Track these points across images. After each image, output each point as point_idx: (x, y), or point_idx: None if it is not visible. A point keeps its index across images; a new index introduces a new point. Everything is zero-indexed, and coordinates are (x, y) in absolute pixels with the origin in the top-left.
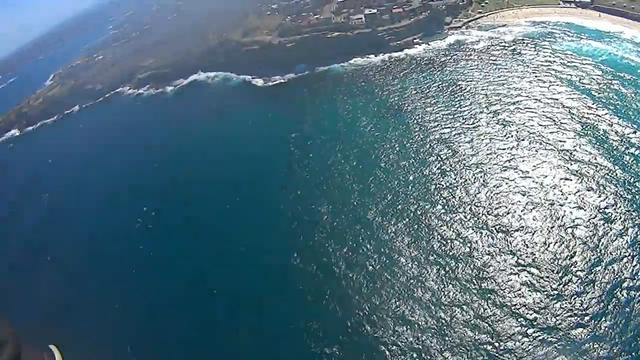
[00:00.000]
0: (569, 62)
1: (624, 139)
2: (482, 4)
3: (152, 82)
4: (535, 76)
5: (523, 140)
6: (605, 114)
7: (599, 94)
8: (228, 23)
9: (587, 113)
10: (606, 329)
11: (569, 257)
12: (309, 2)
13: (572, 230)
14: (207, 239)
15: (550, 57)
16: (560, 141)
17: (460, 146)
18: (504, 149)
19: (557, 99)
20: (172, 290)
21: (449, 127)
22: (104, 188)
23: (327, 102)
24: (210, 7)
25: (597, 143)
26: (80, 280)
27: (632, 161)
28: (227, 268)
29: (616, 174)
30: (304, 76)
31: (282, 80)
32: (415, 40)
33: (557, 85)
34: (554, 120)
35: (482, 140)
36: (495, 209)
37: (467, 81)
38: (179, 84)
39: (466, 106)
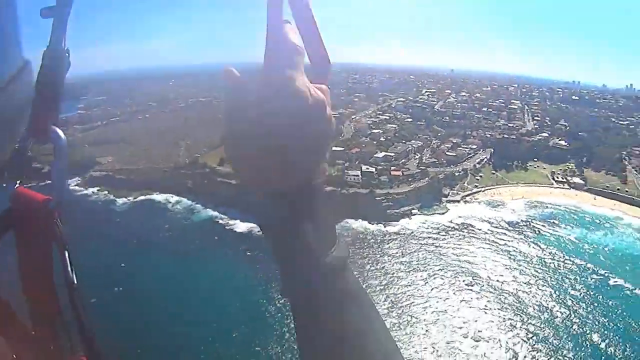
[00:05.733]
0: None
1: None
2: (477, 177)
3: (104, 184)
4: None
5: None
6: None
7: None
8: (204, 140)
9: None
10: None
11: None
12: None
13: None
14: None
15: (558, 243)
16: None
17: None
18: None
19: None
20: None
21: None
22: None
23: None
24: (188, 115)
25: None
26: None
27: None
28: None
29: None
30: None
31: (258, 230)
32: (413, 211)
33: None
34: None
35: None
36: None
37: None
38: (133, 198)
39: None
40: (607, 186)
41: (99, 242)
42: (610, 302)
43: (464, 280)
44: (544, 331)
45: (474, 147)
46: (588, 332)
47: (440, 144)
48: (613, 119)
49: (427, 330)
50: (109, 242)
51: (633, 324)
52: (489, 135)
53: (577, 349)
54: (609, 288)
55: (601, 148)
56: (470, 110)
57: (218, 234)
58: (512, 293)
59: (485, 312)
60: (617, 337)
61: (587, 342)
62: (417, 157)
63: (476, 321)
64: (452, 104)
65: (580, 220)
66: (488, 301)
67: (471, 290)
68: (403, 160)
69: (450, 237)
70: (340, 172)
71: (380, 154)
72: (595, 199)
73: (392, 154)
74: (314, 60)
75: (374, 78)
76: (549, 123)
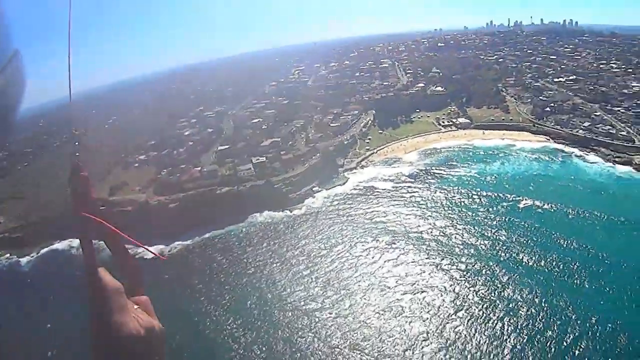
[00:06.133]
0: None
1: None
2: (367, 141)
3: (4, 247)
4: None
5: None
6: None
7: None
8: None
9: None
10: None
11: None
12: (182, 152)
13: None
14: None
15: (461, 182)
16: None
17: None
18: None
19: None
20: None
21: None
22: None
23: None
24: (68, 152)
25: None
26: None
27: None
28: None
29: None
30: (197, 244)
31: (167, 251)
32: (314, 189)
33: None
34: None
35: None
36: None
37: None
38: (37, 253)
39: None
40: (492, 119)
41: (16, 309)
42: (526, 223)
43: (384, 241)
44: (474, 265)
45: (356, 112)
46: (514, 254)
47: (322, 118)
48: (482, 57)
49: (366, 298)
50: (27, 305)
51: (552, 236)
52: (367, 98)
53: (510, 272)
54: (520, 210)
55: (476, 86)
56: (343, 78)
57: None
58: (433, 240)
59: (414, 265)
60: (540, 252)
61: (516, 264)
62: (302, 135)
63: (408, 276)
64: (323, 76)
65: (475, 156)
66: (414, 254)
67: (394, 248)
68: (290, 143)
69: (358, 203)
70: (231, 170)
71: (267, 142)
72: (484, 133)
73: (278, 139)
74: (125, 273)
75: (241, 68)
76: (422, 73)
